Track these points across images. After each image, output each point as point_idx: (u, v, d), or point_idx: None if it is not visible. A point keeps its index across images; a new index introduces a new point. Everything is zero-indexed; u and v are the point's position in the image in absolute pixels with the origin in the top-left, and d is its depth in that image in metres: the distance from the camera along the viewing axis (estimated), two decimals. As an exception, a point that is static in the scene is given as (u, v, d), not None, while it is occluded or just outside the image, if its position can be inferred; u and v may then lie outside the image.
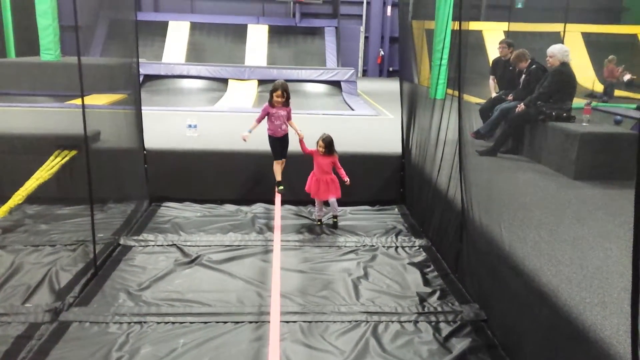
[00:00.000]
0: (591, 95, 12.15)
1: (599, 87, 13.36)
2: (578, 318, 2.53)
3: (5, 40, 13.57)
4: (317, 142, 5.27)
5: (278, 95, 5.03)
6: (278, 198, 5.19)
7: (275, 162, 5.35)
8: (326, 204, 5.49)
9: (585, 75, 14.28)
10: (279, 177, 5.34)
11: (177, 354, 3.12)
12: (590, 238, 3.44)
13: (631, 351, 2.13)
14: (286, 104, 5.13)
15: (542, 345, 2.85)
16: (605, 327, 2.38)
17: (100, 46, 15.32)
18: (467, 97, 6.53)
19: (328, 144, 5.25)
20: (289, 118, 5.20)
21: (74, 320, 3.43)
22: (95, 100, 7.09)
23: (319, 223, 5.44)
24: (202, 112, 8.90)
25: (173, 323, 3.45)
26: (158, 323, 3.44)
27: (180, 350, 3.16)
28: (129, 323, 3.42)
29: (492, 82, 7.40)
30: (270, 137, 5.25)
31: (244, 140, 5.10)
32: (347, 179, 5.24)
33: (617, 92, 12.42)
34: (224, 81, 12.90)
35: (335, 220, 5.41)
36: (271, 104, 5.09)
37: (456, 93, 4.64)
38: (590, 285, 2.77)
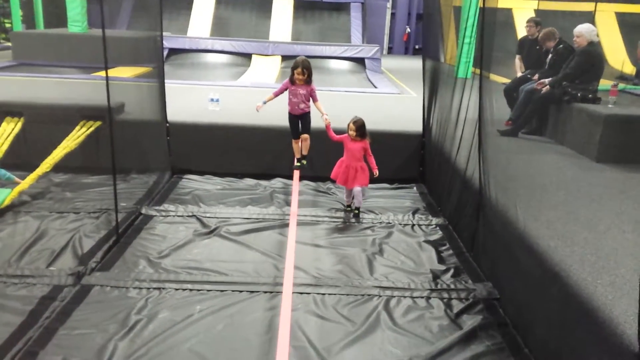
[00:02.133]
0: (622, 77, 11.82)
1: (631, 69, 12.99)
2: (589, 298, 2.54)
3: (35, 12, 13.77)
4: (348, 126, 5.03)
5: (299, 73, 4.86)
6: (296, 173, 5.17)
7: (293, 141, 5.17)
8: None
9: (617, 56, 13.89)
10: (298, 155, 5.21)
11: (193, 320, 3.22)
12: (607, 220, 3.41)
13: (638, 332, 2.14)
14: (308, 81, 4.95)
15: (552, 323, 2.87)
16: (615, 308, 2.39)
17: (127, 19, 15.39)
18: (494, 77, 6.45)
19: (359, 127, 4.99)
20: (313, 99, 4.99)
21: (96, 284, 3.55)
22: (120, 72, 7.18)
23: (348, 208, 5.20)
24: (225, 87, 8.95)
25: (190, 290, 3.55)
26: (176, 289, 3.55)
27: (197, 316, 3.26)
28: (148, 289, 3.54)
29: (517, 61, 7.25)
30: (289, 114, 5.13)
31: (257, 110, 4.96)
32: (376, 170, 5.02)
33: (651, 75, 12.07)
34: (248, 56, 12.90)
35: (357, 212, 5.11)
36: (292, 80, 4.98)
37: (485, 73, 4.59)
38: (603, 267, 2.76)
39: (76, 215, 4.70)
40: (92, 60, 9.52)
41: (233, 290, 3.59)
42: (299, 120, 5.06)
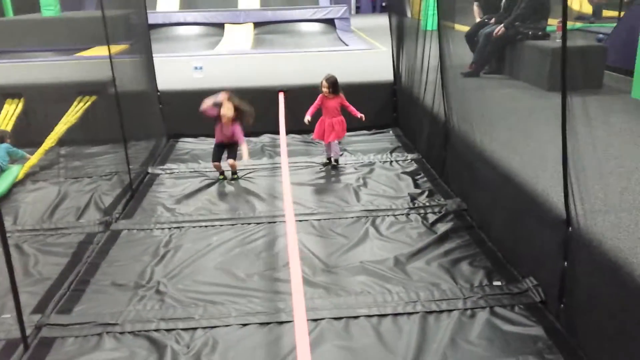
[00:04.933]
0: (580, 17, 12.44)
1: (588, 9, 13.60)
2: (532, 190, 3.19)
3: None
4: (321, 83, 5.25)
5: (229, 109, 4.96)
6: (282, 127, 5.60)
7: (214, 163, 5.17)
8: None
9: (575, -3, 14.46)
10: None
11: (213, 247, 3.83)
12: (552, 133, 4.03)
13: (564, 204, 2.80)
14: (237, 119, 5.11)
15: (506, 217, 3.54)
16: (551, 192, 3.04)
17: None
18: (459, 27, 6.99)
19: (332, 84, 5.20)
20: (239, 140, 5.11)
21: (124, 229, 4.13)
22: (99, 51, 7.54)
23: (327, 162, 5.46)
24: (204, 56, 9.36)
25: (206, 226, 4.15)
26: (193, 227, 4.14)
27: (215, 245, 3.86)
28: (169, 228, 4.13)
29: (476, 7, 7.81)
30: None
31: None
32: (360, 115, 5.29)
33: (606, 13, 12.71)
34: (220, 26, 13.20)
35: (335, 164, 5.42)
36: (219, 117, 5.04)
37: (448, 24, 5.15)
38: (545, 166, 3.41)
39: (90, 179, 5.23)
40: (69, 42, 9.86)
41: (242, 224, 4.19)
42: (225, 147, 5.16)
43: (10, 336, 2.86)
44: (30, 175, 5.37)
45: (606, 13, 12.69)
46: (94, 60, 6.24)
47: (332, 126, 5.34)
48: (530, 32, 6.14)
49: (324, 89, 5.29)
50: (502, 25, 6.38)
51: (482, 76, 6.52)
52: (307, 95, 6.18)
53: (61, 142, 5.96)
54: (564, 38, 2.85)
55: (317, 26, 13.32)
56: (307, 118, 5.28)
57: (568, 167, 2.80)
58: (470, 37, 7.25)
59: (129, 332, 2.89)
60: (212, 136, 6.57)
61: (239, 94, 6.69)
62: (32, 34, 10.88)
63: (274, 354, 2.75)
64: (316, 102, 5.34)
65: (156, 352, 2.74)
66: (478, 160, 4.03)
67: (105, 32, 4.63)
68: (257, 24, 13.15)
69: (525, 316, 2.96)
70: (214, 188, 4.96)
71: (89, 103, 6.32)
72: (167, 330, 2.90)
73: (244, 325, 2.95)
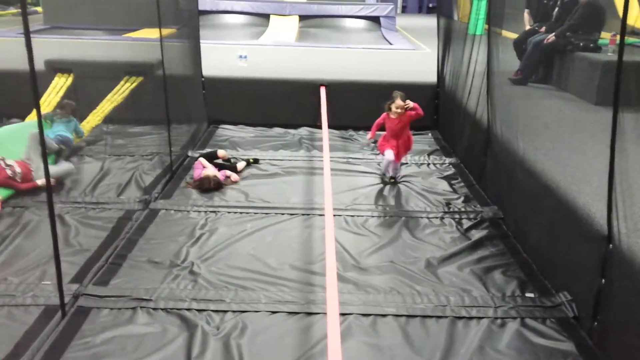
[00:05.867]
0: (634, 32, 12.11)
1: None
2: (573, 202, 3.14)
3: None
4: (391, 101, 4.80)
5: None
6: (324, 122, 5.63)
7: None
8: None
9: (631, 12, 14.06)
10: None
11: (247, 233, 3.89)
12: (597, 148, 3.96)
13: (606, 219, 2.75)
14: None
15: (543, 228, 3.48)
16: (592, 207, 2.98)
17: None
18: (506, 33, 6.89)
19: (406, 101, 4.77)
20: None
21: (162, 208, 4.22)
22: (147, 33, 7.67)
23: (392, 180, 4.96)
24: (249, 45, 9.45)
25: (241, 213, 4.21)
26: (229, 212, 4.21)
27: (249, 231, 3.92)
28: (206, 212, 4.20)
29: (526, 15, 7.67)
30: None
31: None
32: (421, 112, 4.87)
33: (660, 29, 12.33)
34: (266, 16, 13.32)
35: (393, 180, 4.95)
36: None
37: (496, 30, 5.08)
38: (588, 181, 3.34)
39: (132, 158, 5.36)
40: (122, 22, 10.09)
41: (276, 213, 4.24)
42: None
43: (49, 302, 2.98)
44: (75, 150, 5.53)
45: (661, 29, 12.33)
46: (145, 42, 6.36)
47: (398, 149, 4.93)
48: (581, 44, 6.00)
49: (400, 108, 4.78)
50: (553, 34, 6.26)
51: (528, 85, 6.42)
52: (348, 91, 6.18)
53: (106, 120, 6.12)
54: (620, 52, 2.78)
55: (362, 23, 13.29)
56: (369, 141, 4.98)
57: (614, 183, 2.74)
58: (519, 45, 7.14)
59: (162, 309, 2.96)
60: (252, 124, 6.73)
61: (281, 85, 6.81)
62: (85, 13, 11.16)
63: (301, 343, 2.78)
64: (379, 120, 5.00)
65: (187, 330, 2.81)
66: (519, 169, 3.97)
67: (157, 15, 4.72)
68: (302, 17, 13.21)
69: (556, 330, 2.92)
70: (250, 176, 5.02)
71: (135, 83, 6.47)
72: (199, 310, 2.97)
73: (273, 312, 2.99)
